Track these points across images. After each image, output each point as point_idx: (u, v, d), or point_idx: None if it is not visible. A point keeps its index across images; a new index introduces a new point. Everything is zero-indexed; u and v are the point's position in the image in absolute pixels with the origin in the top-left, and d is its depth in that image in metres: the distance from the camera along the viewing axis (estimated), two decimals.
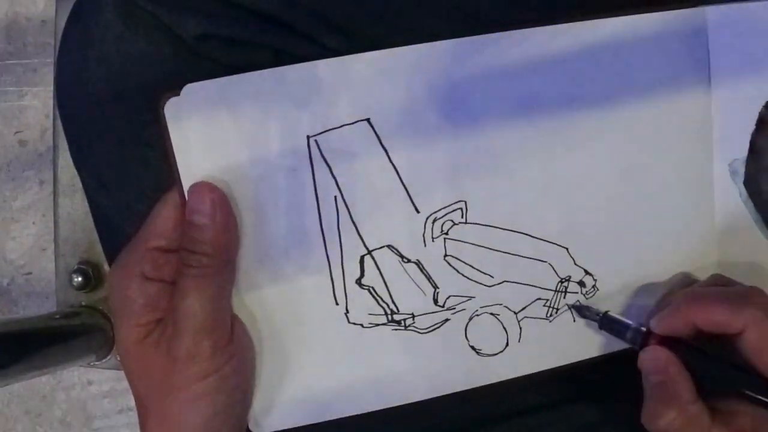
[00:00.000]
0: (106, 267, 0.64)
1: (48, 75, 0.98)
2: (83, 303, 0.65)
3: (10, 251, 1.01)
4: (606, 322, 0.40)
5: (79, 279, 0.63)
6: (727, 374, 0.36)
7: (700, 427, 0.35)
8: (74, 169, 0.45)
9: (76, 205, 0.61)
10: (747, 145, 0.40)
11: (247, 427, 0.40)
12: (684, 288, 0.41)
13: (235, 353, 0.37)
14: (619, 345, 0.41)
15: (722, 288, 0.38)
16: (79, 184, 0.47)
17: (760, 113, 0.40)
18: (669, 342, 0.37)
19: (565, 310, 0.41)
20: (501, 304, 0.40)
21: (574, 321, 0.41)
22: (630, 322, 0.39)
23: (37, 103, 0.98)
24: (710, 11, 0.39)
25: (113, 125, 0.41)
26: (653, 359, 0.37)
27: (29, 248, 1.00)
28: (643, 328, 0.38)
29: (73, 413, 0.99)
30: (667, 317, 0.37)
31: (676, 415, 0.35)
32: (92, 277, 0.64)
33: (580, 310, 0.41)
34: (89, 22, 0.41)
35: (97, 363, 0.69)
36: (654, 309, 0.41)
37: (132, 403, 0.38)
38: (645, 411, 0.36)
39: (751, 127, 0.40)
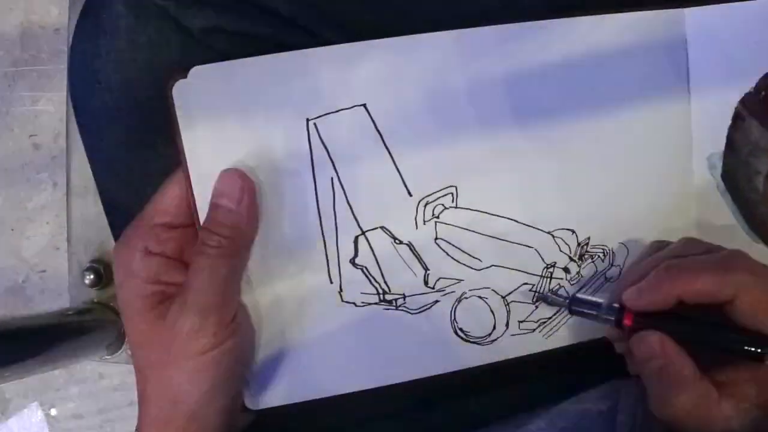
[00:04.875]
0: None
1: (61, 81, 0.99)
2: (95, 300, 0.67)
3: (25, 250, 1.02)
4: (576, 304, 0.37)
5: (91, 277, 0.64)
6: (724, 337, 0.34)
7: (710, 403, 0.33)
8: (87, 172, 0.46)
9: (88, 205, 0.61)
10: (724, 140, 0.41)
11: (243, 403, 0.41)
12: (654, 254, 0.38)
13: (236, 330, 0.38)
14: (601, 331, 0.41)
15: (703, 257, 0.35)
16: (92, 186, 0.49)
17: (736, 109, 0.41)
18: (647, 317, 0.35)
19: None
20: (489, 288, 0.41)
21: (561, 308, 0.41)
22: (600, 300, 0.37)
23: (51, 108, 1.00)
24: (689, 12, 0.41)
25: (123, 112, 0.43)
26: (647, 345, 0.34)
27: (43, 247, 1.02)
28: (616, 305, 0.36)
29: (86, 406, 1.00)
30: (647, 292, 0.35)
31: (686, 397, 0.33)
32: (104, 275, 0.65)
33: (546, 299, 0.40)
34: (100, 15, 0.43)
35: (108, 357, 0.71)
36: (622, 282, 0.38)
37: None
38: (653, 399, 0.35)
39: (728, 122, 0.41)
